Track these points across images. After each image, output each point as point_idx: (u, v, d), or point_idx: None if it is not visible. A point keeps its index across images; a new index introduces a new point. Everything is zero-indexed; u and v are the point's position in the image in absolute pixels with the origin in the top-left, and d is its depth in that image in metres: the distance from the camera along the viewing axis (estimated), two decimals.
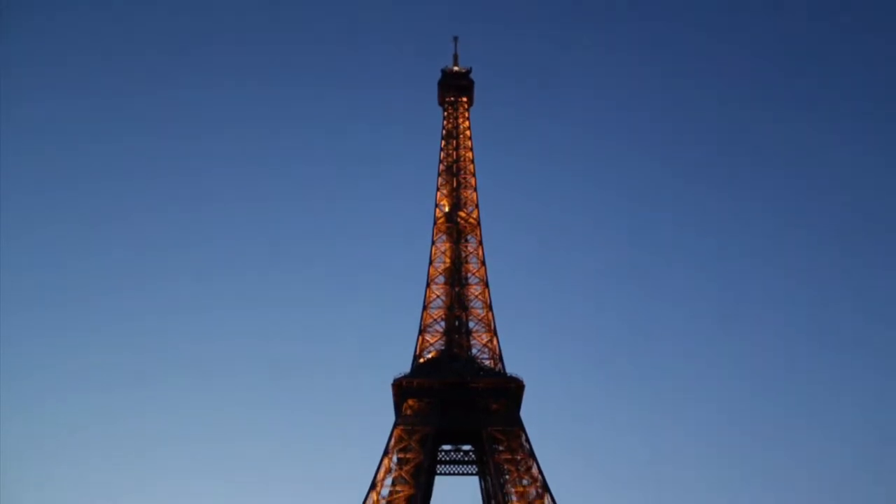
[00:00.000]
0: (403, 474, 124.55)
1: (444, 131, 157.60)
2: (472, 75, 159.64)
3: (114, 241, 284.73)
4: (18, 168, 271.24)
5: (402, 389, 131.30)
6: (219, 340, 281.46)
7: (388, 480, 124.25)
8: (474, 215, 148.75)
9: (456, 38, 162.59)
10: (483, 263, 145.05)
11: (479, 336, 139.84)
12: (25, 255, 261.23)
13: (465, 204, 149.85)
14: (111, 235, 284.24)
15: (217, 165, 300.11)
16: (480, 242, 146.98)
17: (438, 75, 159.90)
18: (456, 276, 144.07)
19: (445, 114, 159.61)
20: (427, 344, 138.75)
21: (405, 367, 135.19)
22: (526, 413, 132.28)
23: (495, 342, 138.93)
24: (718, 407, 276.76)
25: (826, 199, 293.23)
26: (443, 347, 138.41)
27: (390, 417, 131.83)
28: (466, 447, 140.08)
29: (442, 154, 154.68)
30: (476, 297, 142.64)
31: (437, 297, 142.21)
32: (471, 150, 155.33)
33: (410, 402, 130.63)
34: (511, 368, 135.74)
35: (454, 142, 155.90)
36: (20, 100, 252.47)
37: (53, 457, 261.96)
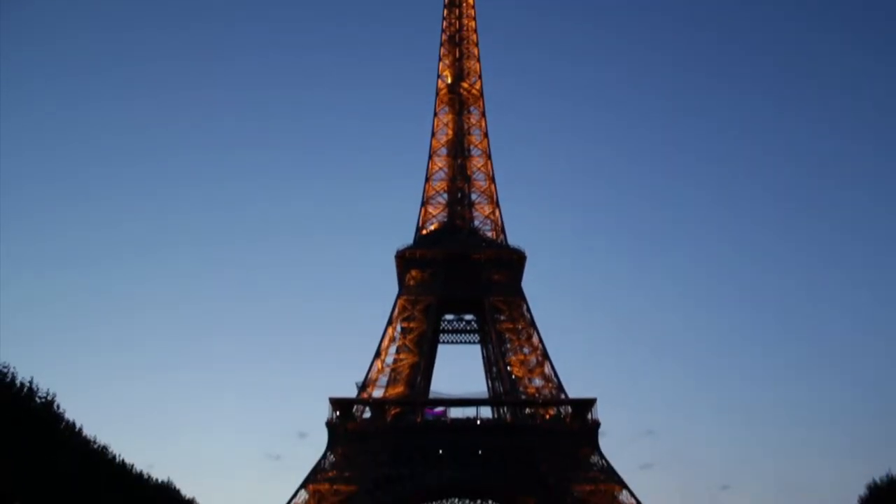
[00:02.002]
0: (407, 343, 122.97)
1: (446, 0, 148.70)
2: None
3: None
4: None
5: (405, 261, 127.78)
6: (233, 211, 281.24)
7: (393, 349, 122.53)
8: (477, 86, 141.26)
9: None
10: (486, 135, 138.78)
11: (482, 208, 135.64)
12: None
13: (468, 75, 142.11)
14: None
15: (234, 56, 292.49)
16: (483, 114, 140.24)
17: None
18: (458, 148, 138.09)
19: None
20: (429, 216, 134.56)
21: (408, 239, 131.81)
22: (527, 283, 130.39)
23: (497, 214, 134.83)
24: (719, 266, 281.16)
25: None
26: (445, 219, 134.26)
27: (394, 288, 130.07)
28: (468, 317, 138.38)
29: (444, 23, 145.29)
30: (478, 168, 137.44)
31: (440, 168, 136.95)
32: (473, 18, 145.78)
33: (413, 272, 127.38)
34: (513, 240, 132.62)
35: (457, 10, 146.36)
36: None
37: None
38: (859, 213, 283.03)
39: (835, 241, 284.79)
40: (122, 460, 36.38)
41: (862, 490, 36.94)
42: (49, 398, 30.31)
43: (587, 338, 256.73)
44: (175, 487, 42.48)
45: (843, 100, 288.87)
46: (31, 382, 28.51)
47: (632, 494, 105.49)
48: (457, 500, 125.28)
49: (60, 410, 31.17)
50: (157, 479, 40.26)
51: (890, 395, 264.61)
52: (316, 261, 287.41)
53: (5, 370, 27.62)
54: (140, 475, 38.47)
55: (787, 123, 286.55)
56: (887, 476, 35.36)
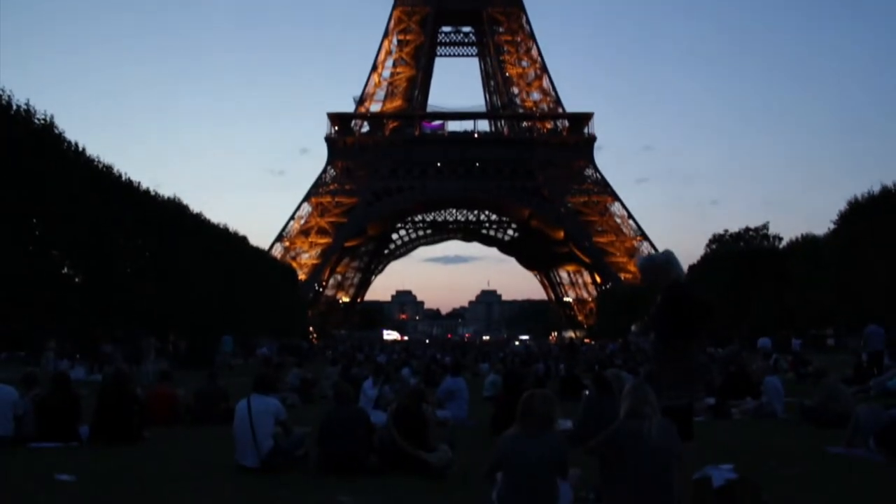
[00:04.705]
0: (404, 56, 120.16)
1: None
2: None
3: None
4: None
5: None
6: None
7: (389, 62, 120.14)
8: None
9: None
10: None
11: None
12: None
13: None
14: None
15: None
16: None
17: None
18: None
19: None
20: None
21: None
22: None
23: None
24: None
25: None
26: None
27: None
28: (466, 29, 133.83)
29: None
30: None
31: None
32: None
33: None
34: None
35: None
36: None
37: None
38: None
39: None
40: (129, 178, 37.14)
41: (843, 206, 38.29)
42: (48, 120, 30.16)
43: (587, 52, 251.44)
44: (182, 203, 43.84)
45: None
46: (27, 104, 28.23)
47: (623, 206, 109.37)
48: (454, 210, 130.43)
49: (60, 131, 31.12)
50: (164, 196, 41.45)
51: (880, 115, 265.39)
52: None
53: (0, 93, 27.30)
54: (147, 192, 39.46)
55: None
56: (868, 193, 36.44)
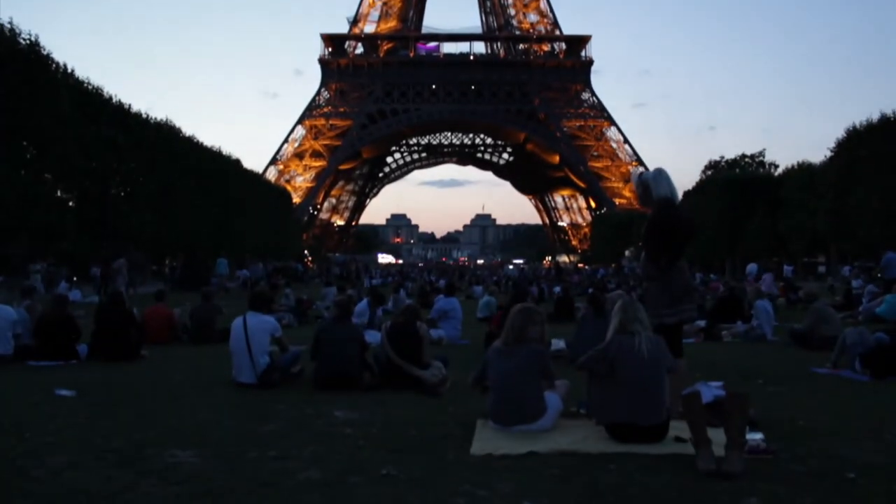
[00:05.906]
0: None
1: None
2: None
3: None
4: None
5: None
6: None
7: None
8: None
9: None
10: None
11: None
12: None
13: None
14: None
15: None
16: None
17: None
18: None
19: None
20: None
21: None
22: None
23: None
24: None
25: None
26: None
27: None
28: None
29: None
30: None
31: None
32: None
33: None
34: None
35: None
36: None
37: None
38: None
39: None
40: (119, 100, 36.51)
41: (841, 134, 37.95)
42: (33, 39, 29.38)
43: None
44: (175, 126, 43.27)
45: None
46: (10, 23, 27.42)
47: (620, 131, 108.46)
48: (449, 133, 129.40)
49: (46, 52, 30.36)
50: (156, 119, 40.84)
51: (881, 42, 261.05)
52: None
53: None
54: (139, 114, 38.89)
55: None
56: (867, 120, 36.08)
